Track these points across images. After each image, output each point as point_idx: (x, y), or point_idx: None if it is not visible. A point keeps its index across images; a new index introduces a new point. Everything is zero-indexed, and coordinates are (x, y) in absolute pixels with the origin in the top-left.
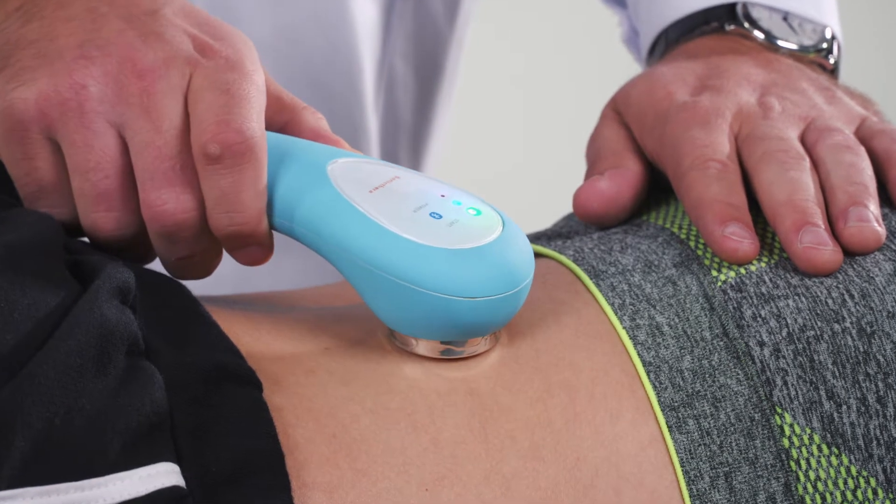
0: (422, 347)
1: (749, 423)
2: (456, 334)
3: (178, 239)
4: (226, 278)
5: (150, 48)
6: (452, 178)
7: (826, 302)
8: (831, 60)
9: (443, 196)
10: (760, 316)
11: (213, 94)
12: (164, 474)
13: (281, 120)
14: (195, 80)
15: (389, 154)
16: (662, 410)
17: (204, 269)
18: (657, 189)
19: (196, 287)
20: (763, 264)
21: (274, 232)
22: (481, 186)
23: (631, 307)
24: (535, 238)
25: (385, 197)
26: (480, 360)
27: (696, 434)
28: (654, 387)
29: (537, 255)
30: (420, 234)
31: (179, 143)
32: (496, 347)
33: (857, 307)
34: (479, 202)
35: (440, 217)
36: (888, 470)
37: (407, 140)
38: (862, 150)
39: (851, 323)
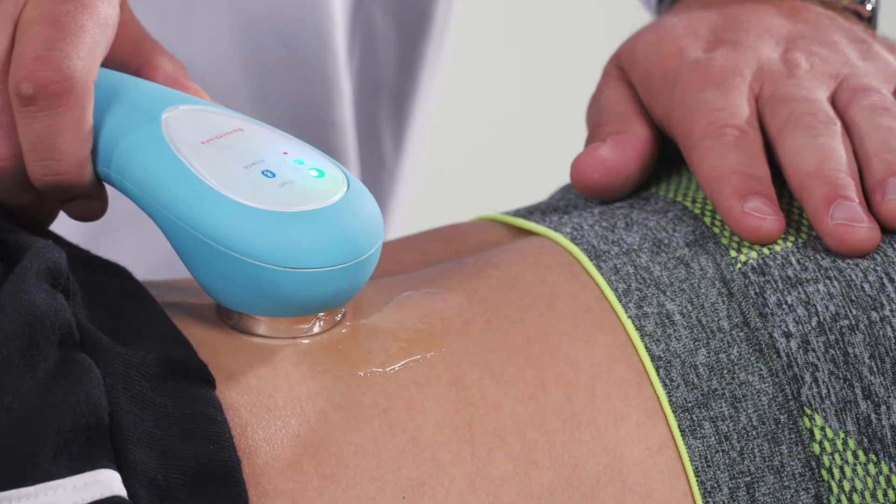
0: (244, 324)
1: (774, 427)
2: (281, 311)
3: (1, 188)
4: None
5: None
6: (440, 145)
7: (862, 287)
8: (868, 7)
9: (285, 154)
10: (786, 303)
11: (39, 25)
12: (103, 483)
13: (136, 63)
14: (27, 9)
15: (368, 118)
16: (674, 412)
17: (38, 222)
18: (667, 157)
19: (145, 270)
20: (789, 244)
21: None
22: (472, 154)
23: (637, 293)
24: (527, 213)
25: (217, 150)
26: (460, 338)
27: (712, 439)
28: (665, 385)
29: (529, 232)
30: (243, 193)
31: (2, 82)
32: (339, 328)
33: None
34: (327, 162)
35: (273, 175)
36: None
37: (388, 102)
38: None
39: (892, 311)
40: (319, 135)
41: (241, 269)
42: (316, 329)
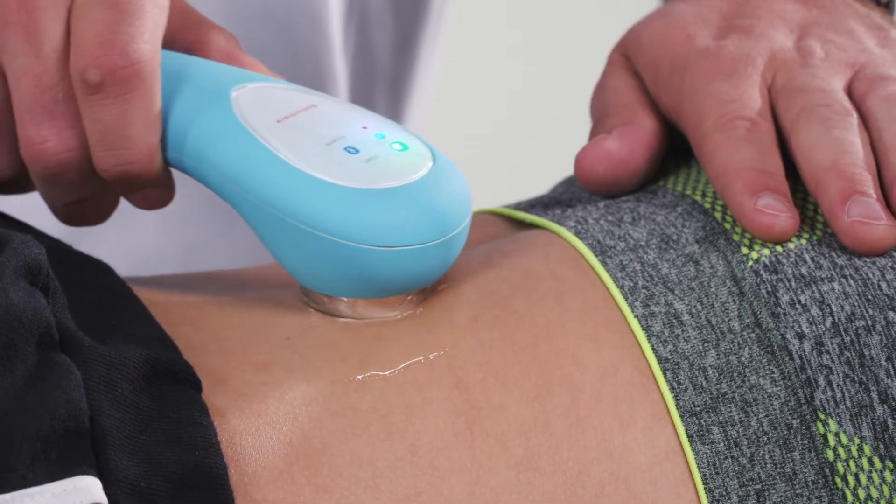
0: (334, 306)
1: (786, 432)
2: (371, 291)
3: (62, 181)
4: (171, 257)
5: None
6: (438, 134)
7: (879, 286)
8: None
9: (365, 128)
10: (800, 302)
11: (98, 8)
12: (83, 490)
13: (186, 40)
14: None
15: (364, 103)
16: (681, 416)
17: (98, 214)
18: (675, 150)
19: (130, 267)
20: (803, 241)
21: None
22: (470, 145)
23: (644, 291)
24: (528, 206)
25: (295, 127)
26: (466, 337)
27: (721, 445)
28: (672, 388)
29: (533, 226)
30: (328, 171)
31: (62, 69)
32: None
33: None
34: (409, 136)
35: (356, 152)
36: None
37: (384, 89)
38: None
39: None
40: None
41: (332, 251)
42: (405, 307)
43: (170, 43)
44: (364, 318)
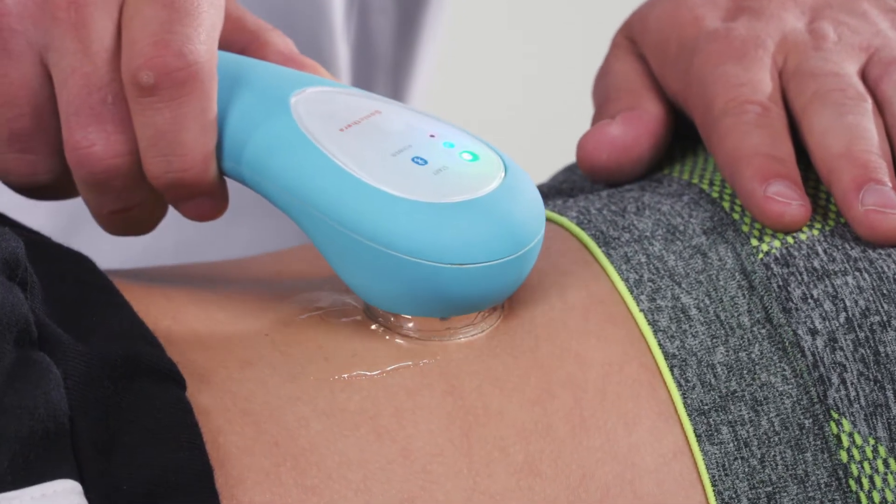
0: (404, 326)
1: (798, 432)
2: (444, 310)
3: (109, 188)
4: (164, 255)
5: None
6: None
7: (895, 279)
8: None
9: (432, 136)
10: (812, 297)
11: (152, 7)
12: (63, 494)
13: (242, 41)
14: None
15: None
16: (689, 415)
17: (144, 224)
18: (681, 137)
19: (122, 265)
20: (815, 232)
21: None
22: (471, 130)
23: (650, 284)
24: None
25: (359, 136)
26: (464, 349)
27: (731, 445)
28: (679, 385)
29: None
30: (397, 184)
31: (112, 70)
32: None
33: None
34: (479, 144)
35: (425, 163)
36: None
37: (385, 75)
38: None
39: None
40: None
41: (400, 268)
42: (475, 328)
43: (225, 44)
44: (431, 339)
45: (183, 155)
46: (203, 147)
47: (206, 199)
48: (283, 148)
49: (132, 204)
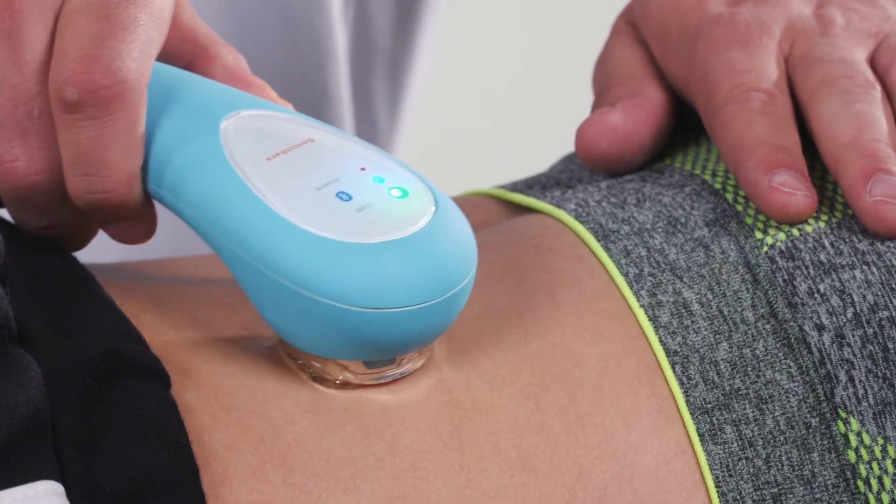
0: (324, 367)
1: (804, 431)
2: (364, 353)
3: (32, 205)
4: (149, 245)
5: None
6: (435, 111)
7: None
8: None
9: (363, 170)
10: (819, 291)
11: (88, 18)
12: (45, 496)
13: (190, 54)
14: None
15: (362, 83)
16: (692, 414)
17: (73, 242)
18: (684, 125)
19: (97, 254)
20: (822, 224)
21: None
22: (468, 119)
23: (651, 278)
24: (525, 187)
25: (286, 166)
26: (443, 337)
27: (735, 445)
28: (681, 383)
29: (529, 209)
30: (315, 221)
31: (41, 83)
32: (430, 370)
33: None
34: (412, 179)
35: (350, 198)
36: None
37: (384, 67)
38: None
39: None
40: (312, 103)
41: (316, 310)
42: (400, 370)
43: (171, 57)
44: (351, 382)
45: (106, 176)
46: (127, 168)
47: (131, 222)
48: (202, 172)
49: (56, 222)
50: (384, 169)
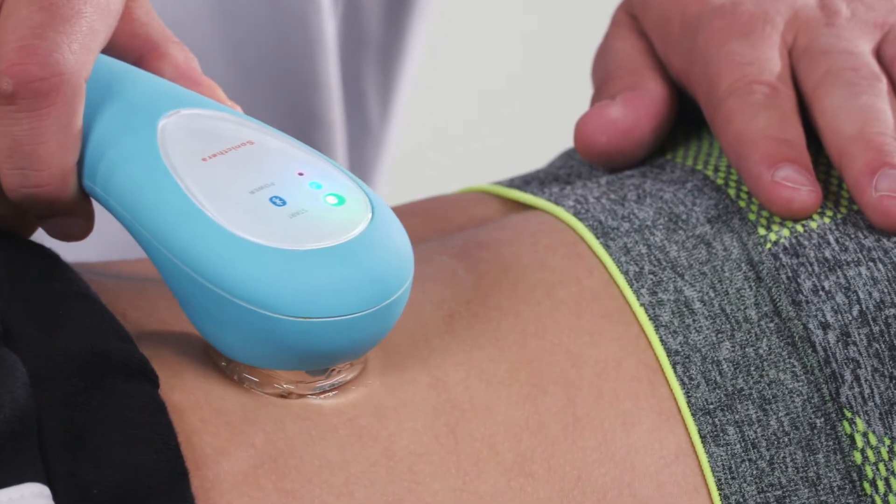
0: (247, 375)
1: (809, 432)
2: (295, 363)
3: None
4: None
5: None
6: (429, 105)
7: None
8: None
9: (300, 175)
10: (823, 289)
11: (29, 8)
12: (31, 498)
13: (139, 49)
14: None
15: (353, 74)
16: (693, 415)
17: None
18: (685, 119)
19: (97, 257)
20: (826, 220)
21: None
22: (463, 112)
23: (651, 276)
24: (523, 183)
25: (221, 168)
26: (441, 334)
27: (737, 446)
28: (682, 383)
29: (527, 206)
30: (245, 226)
31: None
32: (362, 379)
33: None
34: (350, 186)
35: (283, 203)
36: None
37: (375, 58)
38: None
39: None
40: (302, 97)
41: (243, 317)
42: (333, 381)
43: (121, 52)
44: (282, 392)
45: (40, 170)
46: (62, 162)
47: (67, 218)
48: (133, 168)
49: None
50: (322, 175)
